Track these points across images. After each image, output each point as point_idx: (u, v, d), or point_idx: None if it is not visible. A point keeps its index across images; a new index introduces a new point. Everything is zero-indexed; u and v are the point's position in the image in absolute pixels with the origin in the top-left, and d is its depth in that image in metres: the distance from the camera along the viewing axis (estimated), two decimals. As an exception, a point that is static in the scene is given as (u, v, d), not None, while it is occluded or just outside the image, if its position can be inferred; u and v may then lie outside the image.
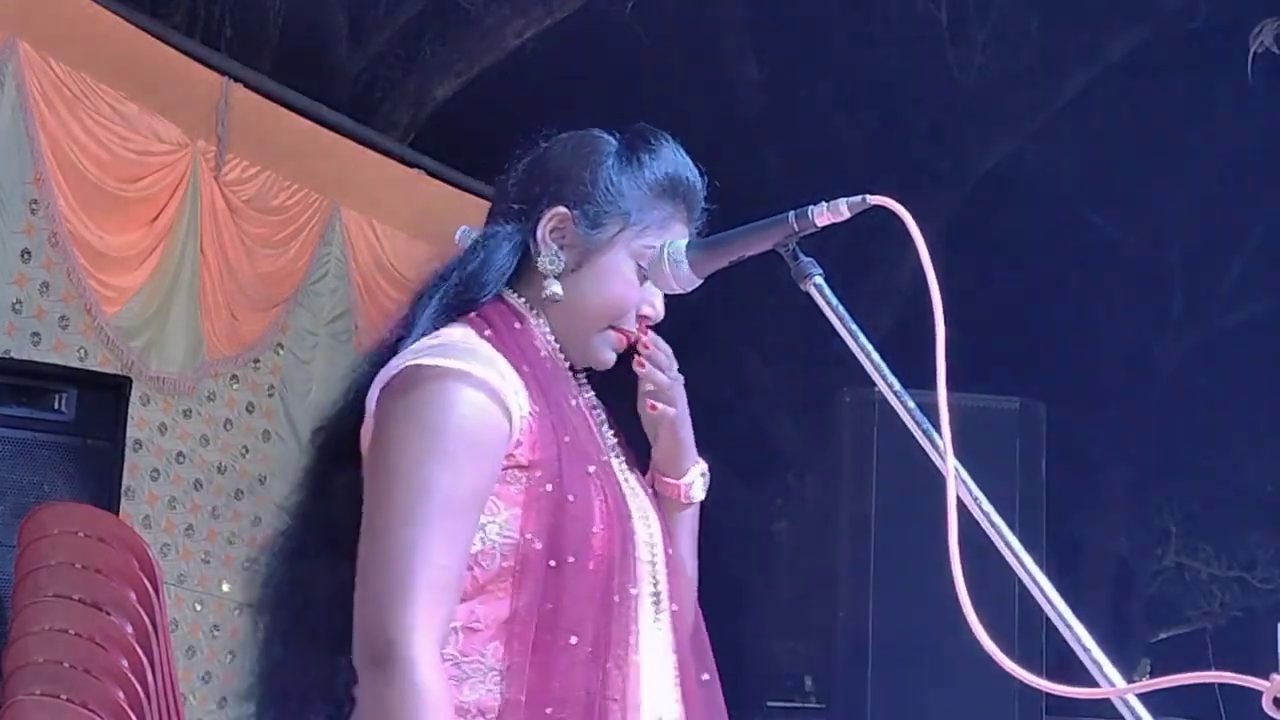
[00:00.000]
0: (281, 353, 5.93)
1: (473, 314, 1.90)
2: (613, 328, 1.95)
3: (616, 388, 2.00)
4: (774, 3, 8.86)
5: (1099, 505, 9.93)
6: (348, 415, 1.92)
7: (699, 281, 1.96)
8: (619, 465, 1.95)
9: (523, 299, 1.95)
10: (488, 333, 1.88)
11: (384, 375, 1.85)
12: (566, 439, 1.84)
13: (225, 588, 5.64)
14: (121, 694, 3.93)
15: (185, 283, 5.47)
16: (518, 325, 1.92)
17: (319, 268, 6.06)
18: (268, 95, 5.84)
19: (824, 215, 1.86)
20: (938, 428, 1.74)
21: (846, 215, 1.86)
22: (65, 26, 5.06)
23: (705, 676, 1.96)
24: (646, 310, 1.96)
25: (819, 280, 1.85)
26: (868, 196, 1.83)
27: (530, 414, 1.83)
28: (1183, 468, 9.78)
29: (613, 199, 1.94)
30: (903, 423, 1.79)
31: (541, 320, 1.94)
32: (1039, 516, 7.00)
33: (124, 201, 5.28)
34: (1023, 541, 1.71)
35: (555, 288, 1.92)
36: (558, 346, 1.94)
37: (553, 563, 1.79)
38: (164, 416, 5.47)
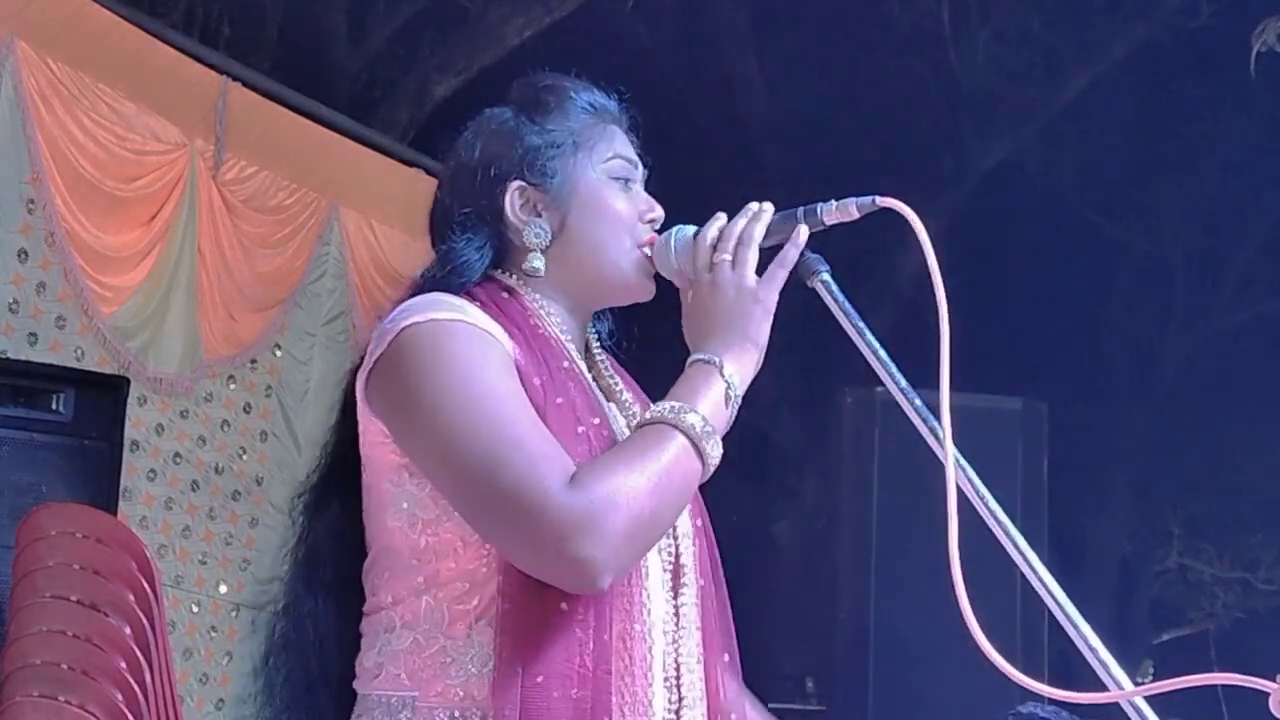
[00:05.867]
0: (279, 353, 5.91)
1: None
2: (638, 248, 1.91)
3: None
4: (774, 3, 8.84)
5: (1101, 506, 9.91)
6: (333, 449, 1.89)
7: None
8: (625, 427, 1.89)
9: (513, 276, 1.92)
10: (477, 304, 1.84)
11: (371, 354, 1.80)
12: (559, 401, 1.79)
13: (222, 589, 5.63)
14: (119, 695, 3.91)
15: (183, 283, 5.45)
16: (505, 295, 1.88)
17: (317, 267, 6.04)
18: (266, 94, 5.82)
19: (833, 214, 1.84)
20: (942, 427, 1.73)
21: (856, 216, 1.84)
22: (63, 25, 5.04)
23: (726, 657, 1.93)
24: (650, 213, 1.94)
25: (826, 277, 1.82)
26: (877, 198, 1.81)
27: (521, 366, 1.79)
28: (1185, 468, 9.76)
29: (548, 144, 1.91)
30: (904, 422, 1.78)
31: (532, 291, 1.90)
32: (1041, 517, 6.99)
33: (121, 201, 5.27)
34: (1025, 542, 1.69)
35: (537, 261, 1.89)
36: (555, 314, 1.90)
37: None
38: (161, 417, 5.45)
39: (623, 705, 1.76)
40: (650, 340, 2.07)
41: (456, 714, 1.74)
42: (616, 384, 1.97)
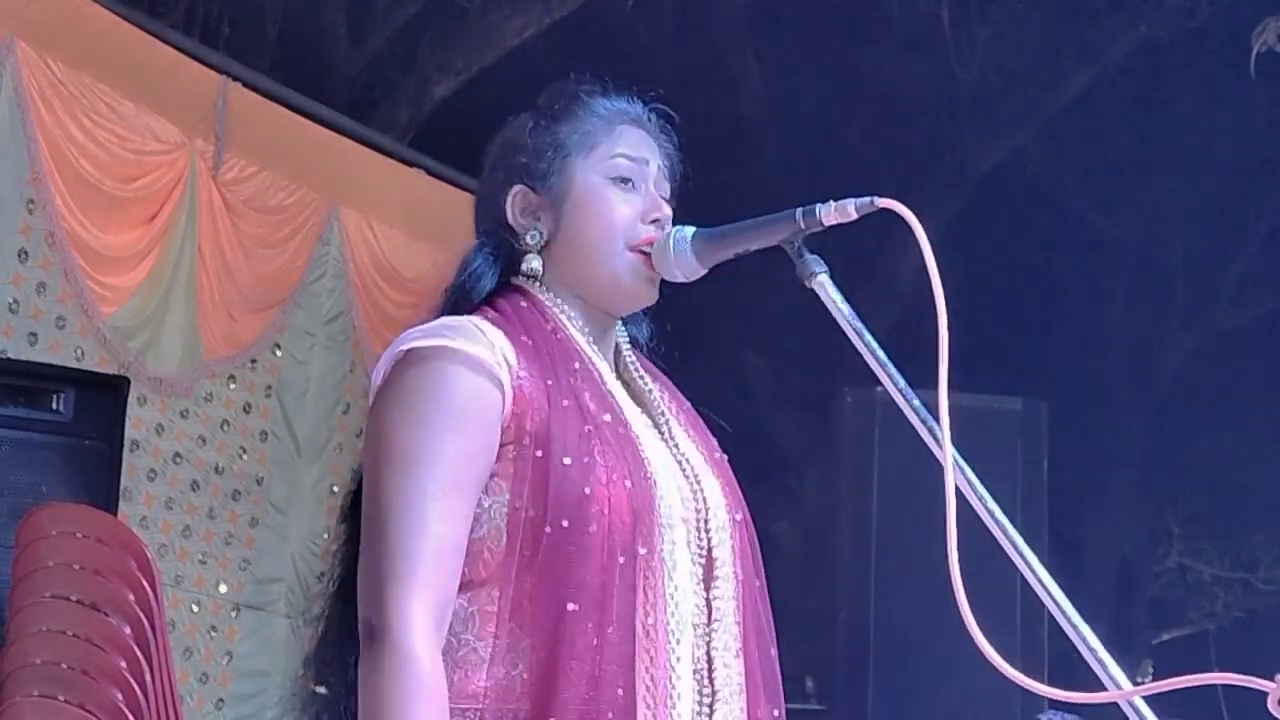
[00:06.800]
0: (279, 353, 5.91)
1: (483, 307, 1.90)
2: (631, 250, 1.91)
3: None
4: (774, 3, 8.84)
5: (1101, 506, 9.90)
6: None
7: (703, 271, 1.93)
8: (650, 423, 1.91)
9: (531, 281, 1.94)
10: (492, 315, 1.87)
11: (377, 372, 1.85)
12: (565, 403, 1.81)
13: (222, 589, 5.63)
14: (120, 695, 3.91)
15: (183, 283, 5.45)
16: (524, 304, 1.90)
17: (317, 268, 6.04)
18: (266, 94, 5.82)
19: (831, 215, 1.84)
20: (940, 427, 1.72)
21: (854, 216, 1.84)
22: (63, 25, 5.05)
23: (774, 652, 1.93)
24: (654, 213, 1.93)
25: (824, 278, 1.83)
26: (875, 199, 1.82)
27: (523, 379, 1.81)
28: (1185, 468, 9.76)
29: (549, 147, 1.93)
30: (903, 423, 1.78)
31: (553, 295, 1.92)
32: (1041, 517, 7.00)
33: (121, 201, 5.27)
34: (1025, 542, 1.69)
35: (535, 263, 1.92)
36: (575, 316, 1.92)
37: (549, 529, 1.77)
38: (161, 417, 5.45)
39: (647, 698, 1.77)
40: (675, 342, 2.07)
41: (487, 716, 1.76)
42: (646, 383, 1.97)
